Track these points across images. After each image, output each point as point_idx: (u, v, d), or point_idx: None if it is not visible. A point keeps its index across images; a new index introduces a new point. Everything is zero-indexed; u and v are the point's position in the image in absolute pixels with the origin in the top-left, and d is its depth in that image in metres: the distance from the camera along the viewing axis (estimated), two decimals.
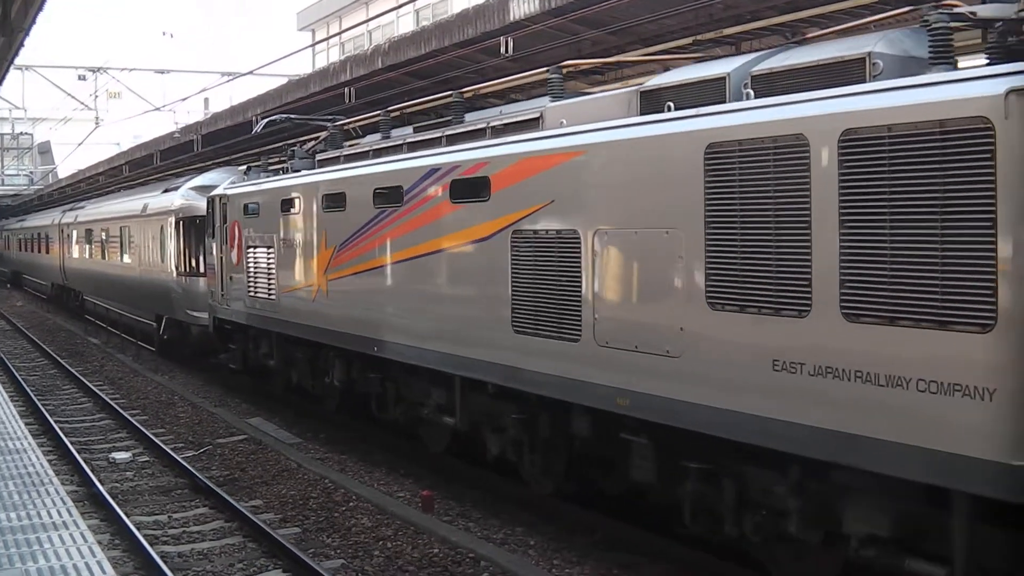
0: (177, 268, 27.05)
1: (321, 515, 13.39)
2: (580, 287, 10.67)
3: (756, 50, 14.25)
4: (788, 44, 9.96)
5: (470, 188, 12.55)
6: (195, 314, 25.64)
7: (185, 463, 16.17)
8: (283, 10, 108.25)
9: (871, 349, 7.78)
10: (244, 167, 27.02)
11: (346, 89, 22.49)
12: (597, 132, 10.69)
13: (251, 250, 20.02)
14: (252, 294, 20.06)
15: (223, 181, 24.40)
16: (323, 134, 19.72)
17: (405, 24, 48.03)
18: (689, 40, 14.03)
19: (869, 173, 7.78)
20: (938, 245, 7.30)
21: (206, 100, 54.50)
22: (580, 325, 10.65)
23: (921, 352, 7.44)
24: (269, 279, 19.07)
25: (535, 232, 11.37)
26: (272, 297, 18.97)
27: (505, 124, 12.79)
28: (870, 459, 7.81)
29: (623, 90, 11.28)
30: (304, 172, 18.42)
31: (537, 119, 12.20)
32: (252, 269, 20.00)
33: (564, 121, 11.57)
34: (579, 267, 10.68)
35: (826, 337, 8.11)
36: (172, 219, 27.54)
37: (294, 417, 20.14)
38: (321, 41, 56.83)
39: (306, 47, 53.71)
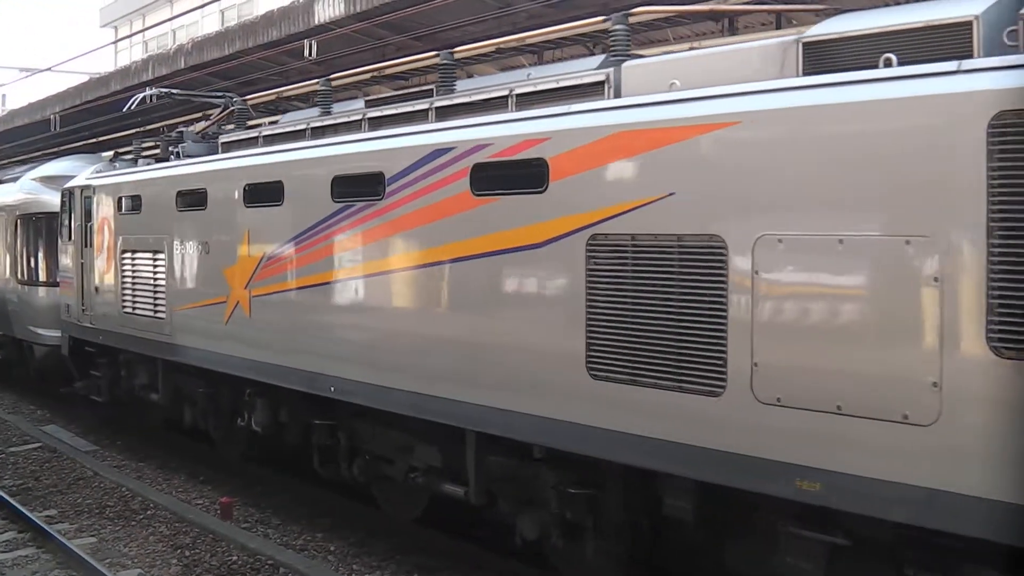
0: (18, 276, 21.80)
1: (118, 524, 12.89)
2: (724, 317, 7.24)
3: (559, 59, 14.43)
4: None
5: (509, 175, 8.96)
6: (41, 332, 20.72)
7: None
8: (86, 5, 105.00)
9: None
10: (110, 153, 22.62)
11: (148, 88, 21.95)
12: (761, 96, 7.27)
13: (129, 255, 15.78)
14: (129, 310, 15.76)
15: (81, 170, 19.67)
16: (215, 112, 16.18)
17: (210, 24, 47.16)
18: (493, 47, 13.99)
19: None
20: None
21: (2, 96, 52.59)
22: (724, 372, 7.24)
23: None
24: (157, 293, 14.87)
25: (635, 238, 7.86)
26: (160, 315, 14.71)
27: (545, 90, 9.39)
28: None
29: (770, 41, 8.05)
30: (209, 158, 14.26)
31: (601, 83, 8.89)
32: (130, 279, 15.78)
33: (677, 83, 8.15)
34: (723, 288, 7.26)
35: None
36: (10, 216, 22.27)
37: (91, 424, 19.15)
38: (124, 39, 55.36)
39: (108, 44, 52.16)
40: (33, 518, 12.89)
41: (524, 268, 8.82)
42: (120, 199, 16.20)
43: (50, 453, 17.02)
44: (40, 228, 21.62)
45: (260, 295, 12.28)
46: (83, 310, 17.52)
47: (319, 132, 12.24)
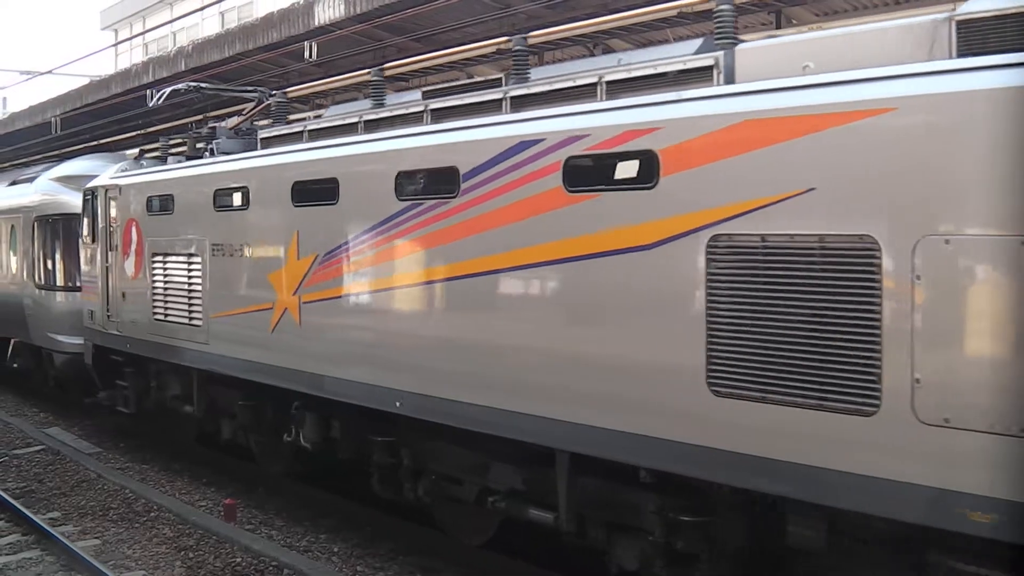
0: (35, 280, 20.56)
1: (121, 526, 12.82)
2: (876, 327, 6.41)
3: (559, 60, 14.40)
4: None
5: (609, 169, 8.07)
6: (60, 338, 19.45)
7: None
8: (86, 8, 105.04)
9: None
10: (134, 151, 21.35)
11: (148, 91, 21.95)
12: (922, 79, 6.43)
13: (159, 258, 14.72)
14: (160, 318, 14.67)
15: (102, 170, 18.77)
16: (248, 107, 15.14)
17: (210, 26, 47.08)
18: (493, 48, 13.96)
19: None
20: None
21: (3, 99, 52.54)
22: (877, 389, 6.41)
23: None
24: (192, 299, 13.84)
25: (765, 239, 7.02)
26: (196, 323, 13.70)
27: (641, 76, 8.53)
28: None
29: (919, 19, 7.16)
30: (250, 154, 13.21)
31: (709, 67, 8.04)
32: (161, 284, 14.69)
33: (811, 65, 7.32)
34: (876, 294, 6.43)
35: None
36: (27, 218, 21.06)
37: (93, 427, 19.00)
38: (124, 41, 55.23)
39: (108, 47, 52.10)
40: (37, 520, 12.82)
41: (629, 272, 7.87)
42: (150, 199, 15.14)
43: (53, 456, 16.89)
44: (59, 230, 20.39)
45: (312, 301, 11.28)
46: (108, 316, 16.45)
47: (373, 125, 11.31)
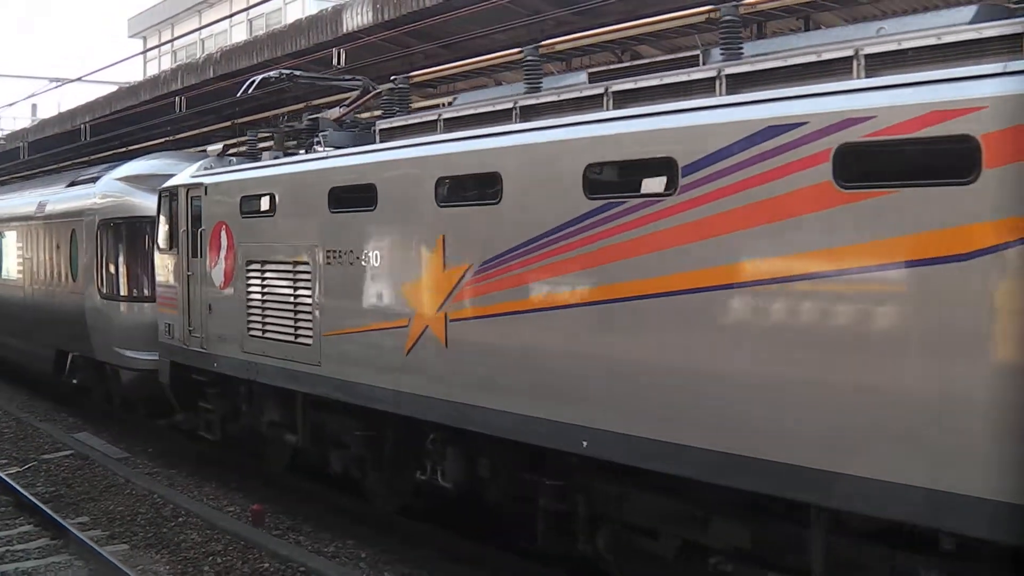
0: (100, 289, 18.53)
1: (150, 531, 12.76)
2: None
3: (587, 67, 14.28)
4: None
5: (904, 160, 6.47)
6: (128, 354, 17.59)
7: (9, 480, 15.15)
8: (115, 16, 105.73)
9: None
10: (216, 146, 19.49)
11: (177, 98, 22.07)
12: None
13: (257, 267, 12.99)
14: (257, 334, 12.96)
15: (175, 168, 17.29)
16: (353, 96, 13.63)
17: (239, 33, 47.19)
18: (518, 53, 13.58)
19: None
20: None
21: (34, 107, 52.86)
22: None
23: None
24: (299, 313, 12.10)
25: None
26: (305, 341, 12.00)
27: (914, 48, 6.91)
28: None
29: None
30: (375, 147, 11.38)
31: (1018, 35, 6.37)
32: (259, 296, 12.97)
33: None
34: None
35: None
36: (90, 221, 19.00)
37: (122, 432, 19.01)
38: (152, 48, 55.54)
39: (137, 54, 52.46)
40: (66, 524, 12.83)
41: (934, 288, 6.19)
42: (244, 199, 13.33)
43: (82, 460, 16.91)
44: (127, 234, 18.55)
45: (463, 319, 9.58)
46: (190, 331, 14.70)
47: (530, 112, 9.60)
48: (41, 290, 21.73)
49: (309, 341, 11.92)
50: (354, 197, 11.20)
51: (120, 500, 14.36)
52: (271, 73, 14.15)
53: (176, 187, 15.30)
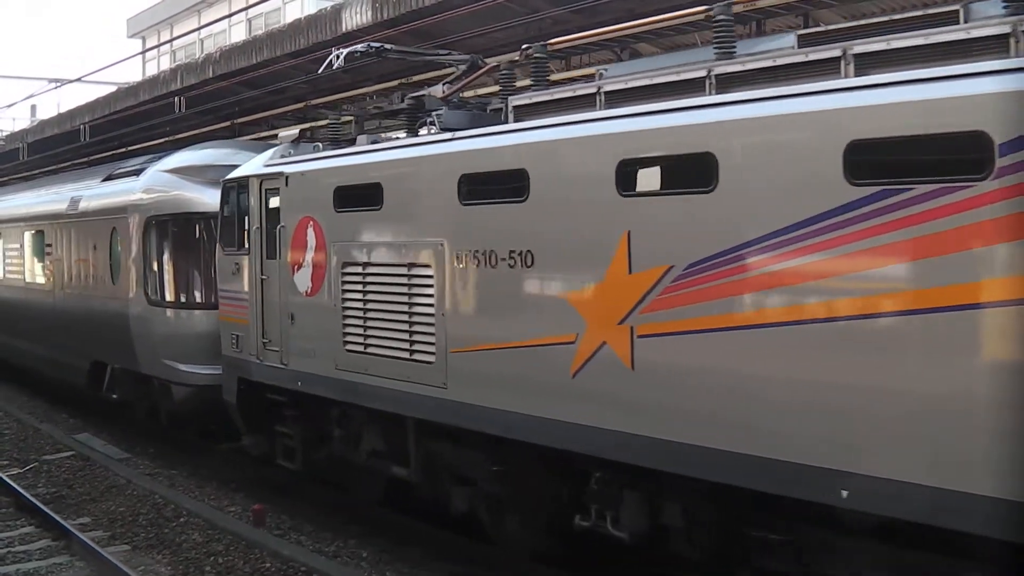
0: (148, 295, 16.46)
1: (151, 531, 12.76)
2: None
3: (586, 64, 14.33)
4: None
5: None
6: (181, 367, 15.58)
7: (10, 481, 15.15)
8: (113, 16, 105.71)
9: None
10: (292, 132, 16.45)
11: (176, 98, 22.10)
12: None
13: (356, 270, 11.27)
14: (358, 348, 11.22)
15: (233, 157, 15.73)
16: (460, 72, 12.05)
17: (238, 33, 47.13)
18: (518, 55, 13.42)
19: None
20: None
21: (33, 107, 52.86)
22: None
23: None
24: (416, 325, 10.41)
25: None
26: (425, 359, 10.25)
27: None
28: None
29: None
30: (522, 125, 9.49)
31: None
32: (359, 304, 11.24)
33: None
34: None
35: None
36: (135, 219, 16.90)
37: (122, 432, 18.93)
38: (151, 48, 55.53)
39: (136, 54, 52.39)
40: (67, 525, 12.83)
41: None
42: (339, 190, 11.54)
43: (83, 461, 16.89)
44: (178, 233, 16.47)
45: (658, 335, 7.88)
46: (265, 344, 12.95)
47: (727, 80, 7.89)
48: (74, 295, 19.55)
49: (431, 359, 10.16)
50: (496, 187, 9.45)
51: (121, 501, 14.36)
52: (358, 47, 12.29)
53: (246, 178, 13.41)
